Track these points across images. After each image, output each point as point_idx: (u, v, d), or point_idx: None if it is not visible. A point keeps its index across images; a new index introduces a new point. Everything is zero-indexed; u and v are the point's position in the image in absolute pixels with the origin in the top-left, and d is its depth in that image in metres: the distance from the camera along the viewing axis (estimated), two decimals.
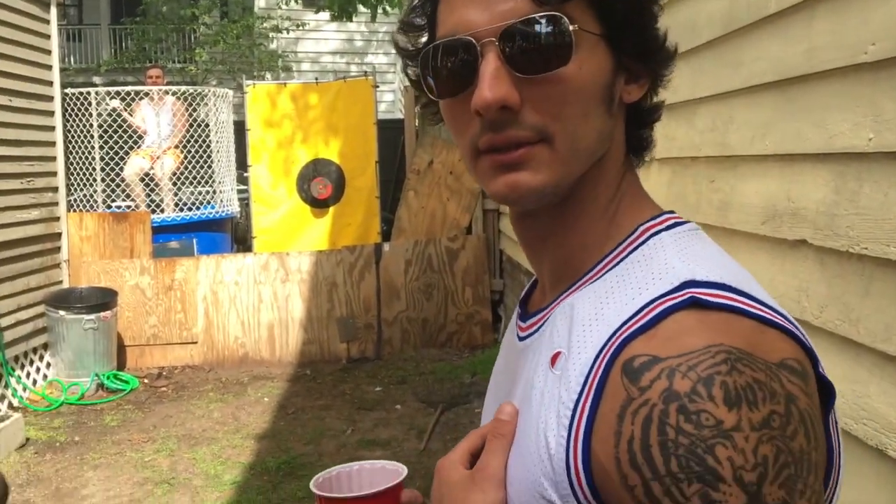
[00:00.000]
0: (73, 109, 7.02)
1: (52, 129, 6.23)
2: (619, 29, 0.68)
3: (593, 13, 0.67)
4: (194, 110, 7.53)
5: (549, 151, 0.67)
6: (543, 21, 0.64)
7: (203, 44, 13.95)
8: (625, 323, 0.61)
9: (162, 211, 7.33)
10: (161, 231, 7.05)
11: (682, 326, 0.59)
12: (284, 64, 14.33)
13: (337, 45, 15.72)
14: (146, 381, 6.16)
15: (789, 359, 0.59)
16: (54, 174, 6.23)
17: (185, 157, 7.51)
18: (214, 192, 7.73)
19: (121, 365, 6.28)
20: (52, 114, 6.22)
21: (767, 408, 0.55)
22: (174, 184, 7.56)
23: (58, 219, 6.27)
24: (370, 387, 5.83)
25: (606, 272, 0.69)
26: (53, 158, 6.24)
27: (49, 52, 6.18)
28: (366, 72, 8.45)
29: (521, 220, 0.75)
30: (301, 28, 14.41)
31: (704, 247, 0.68)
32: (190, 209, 7.55)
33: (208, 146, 7.52)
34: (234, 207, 8.12)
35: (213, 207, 7.72)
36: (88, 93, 7.11)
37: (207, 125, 7.60)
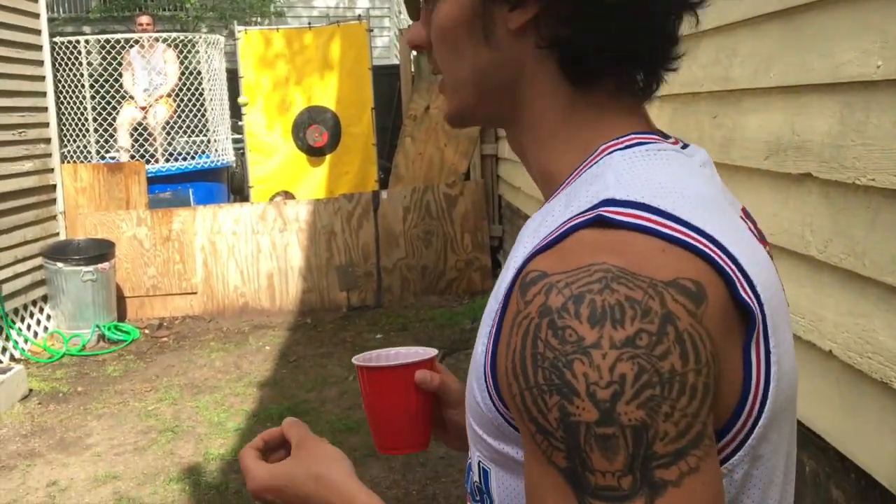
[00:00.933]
0: (63, 59, 6.89)
1: (42, 78, 6.13)
2: None
3: None
4: (186, 58, 7.40)
5: (446, 87, 0.77)
6: None
7: None
8: (542, 240, 0.63)
9: (156, 161, 7.26)
10: (156, 181, 6.99)
11: (577, 244, 0.60)
12: (276, 9, 14.07)
13: None
14: (147, 331, 6.17)
15: (683, 278, 0.58)
16: (46, 125, 6.15)
17: (178, 106, 7.41)
18: (209, 141, 7.65)
19: (121, 316, 6.28)
20: (41, 63, 6.11)
21: (635, 326, 0.55)
22: (167, 133, 7.48)
23: (52, 170, 6.20)
24: (371, 334, 5.85)
25: (560, 193, 0.70)
26: (45, 109, 6.15)
27: (36, 1, 6.04)
28: (359, 15, 8.29)
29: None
30: None
31: (650, 167, 0.66)
32: (185, 159, 7.47)
33: (201, 94, 7.41)
34: (230, 157, 8.05)
35: (208, 157, 7.65)
36: (78, 41, 6.99)
37: (200, 73, 7.49)
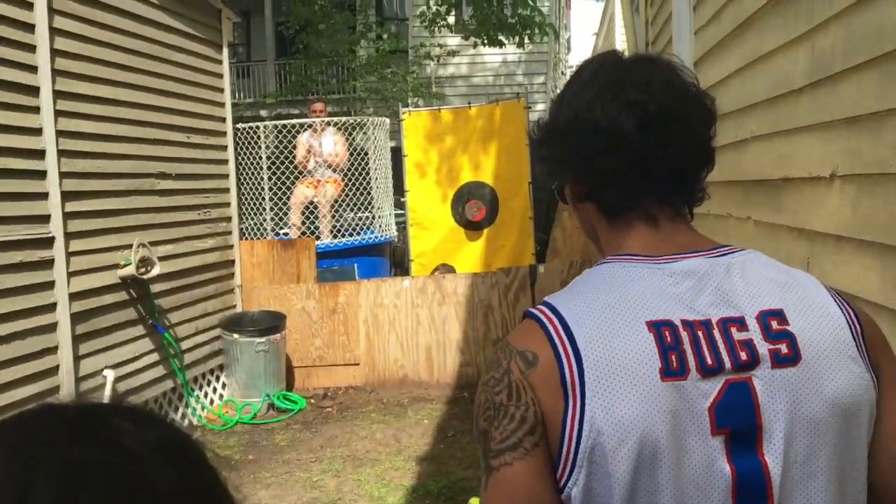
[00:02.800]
0: (243, 142, 7.45)
1: (226, 162, 6.65)
2: (556, 166, 1.14)
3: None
4: (353, 139, 7.81)
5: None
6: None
7: (359, 75, 14.50)
8: None
9: (324, 237, 7.63)
10: (324, 256, 7.34)
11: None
12: (437, 90, 14.65)
13: (488, 68, 15.90)
14: (313, 401, 6.40)
15: (527, 351, 0.95)
16: (228, 205, 6.64)
17: (346, 185, 7.79)
18: (373, 217, 7.97)
19: (289, 385, 6.56)
20: (225, 148, 6.63)
21: (491, 374, 0.97)
22: (335, 211, 7.86)
23: (231, 247, 6.66)
24: None
25: None
26: (227, 190, 6.65)
27: (222, 91, 6.61)
28: (518, 93, 8.47)
29: None
30: (452, 54, 14.70)
31: (579, 280, 1.06)
32: (351, 235, 7.81)
33: (367, 173, 7.77)
34: (392, 232, 8.34)
35: (372, 233, 7.96)
36: (257, 126, 7.54)
37: (366, 153, 7.86)
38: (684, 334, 0.94)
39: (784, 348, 0.95)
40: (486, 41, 11.62)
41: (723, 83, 4.04)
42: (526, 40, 12.01)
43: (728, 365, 0.93)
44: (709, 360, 0.93)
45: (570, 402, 0.91)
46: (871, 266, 2.24)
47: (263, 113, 15.33)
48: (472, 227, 7.90)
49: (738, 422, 0.92)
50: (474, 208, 7.83)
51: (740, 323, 0.96)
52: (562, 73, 21.66)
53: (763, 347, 0.95)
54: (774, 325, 0.96)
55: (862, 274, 2.32)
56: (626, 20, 7.96)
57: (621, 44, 16.45)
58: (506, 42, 12.07)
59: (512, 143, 7.78)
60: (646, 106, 1.01)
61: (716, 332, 0.94)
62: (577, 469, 0.91)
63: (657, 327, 0.94)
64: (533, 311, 0.99)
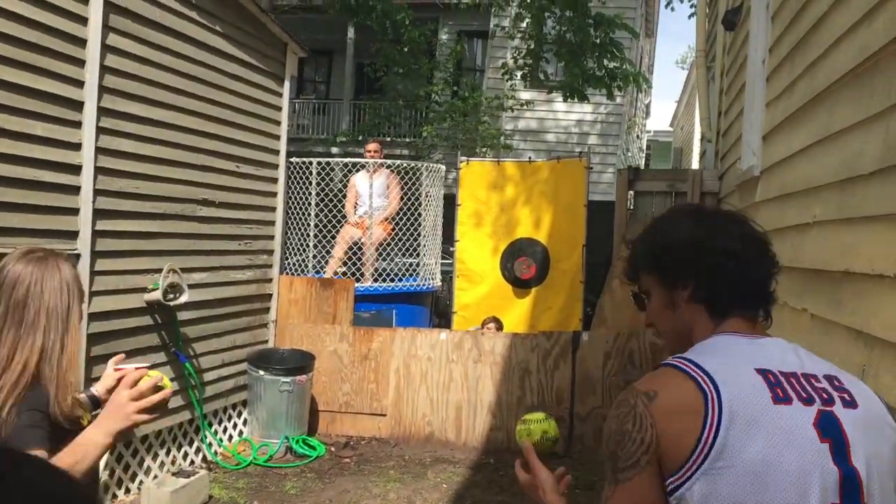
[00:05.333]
0: (295, 177, 7.37)
1: (275, 195, 6.55)
2: (664, 278, 1.47)
3: (655, 277, 1.48)
4: (407, 184, 7.66)
5: (659, 334, 1.54)
6: (633, 294, 1.57)
7: (431, 121, 14.49)
8: None
9: (364, 280, 7.45)
10: (364, 300, 7.14)
11: (649, 374, 1.35)
12: (506, 142, 14.52)
13: (561, 126, 15.71)
14: (333, 449, 6.16)
15: (651, 391, 1.27)
16: (272, 238, 6.53)
17: (395, 229, 7.63)
18: (419, 264, 7.77)
19: (312, 429, 6.34)
20: (276, 181, 6.54)
21: (621, 409, 1.29)
22: (380, 254, 7.69)
23: (270, 280, 6.53)
24: None
25: None
26: (272, 223, 6.54)
27: (279, 124, 6.54)
28: (580, 152, 8.23)
29: None
30: (525, 107, 14.57)
31: (705, 345, 1.37)
32: (392, 280, 7.62)
33: (417, 219, 7.59)
34: (436, 281, 8.11)
35: (415, 280, 7.75)
36: (310, 163, 7.46)
37: (418, 199, 7.70)
38: (782, 378, 1.28)
39: (847, 397, 1.29)
40: (571, 95, 11.43)
41: (790, 160, 3.72)
42: (616, 91, 11.79)
43: (817, 399, 1.26)
44: (803, 394, 1.26)
45: (708, 422, 1.21)
46: None
47: (334, 150, 15.42)
48: (519, 285, 7.63)
49: (834, 436, 1.23)
50: (524, 265, 7.56)
51: (816, 378, 1.30)
52: (637, 136, 21.32)
53: (834, 394, 1.28)
54: (836, 382, 1.30)
55: None
56: (700, 88, 7.68)
57: (699, 112, 16.09)
58: (590, 96, 11.88)
59: (569, 202, 7.51)
60: (745, 235, 1.43)
61: (802, 380, 1.28)
62: (699, 475, 1.20)
63: (763, 372, 1.28)
64: (671, 361, 1.32)
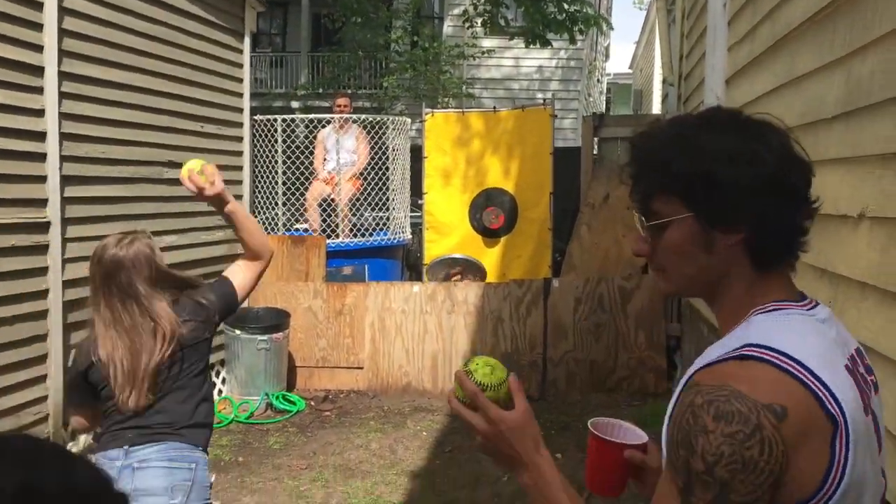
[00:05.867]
0: (260, 135, 7.31)
1: (241, 154, 6.51)
2: (702, 209, 1.10)
3: (681, 201, 1.11)
4: (374, 138, 7.65)
5: (666, 276, 1.18)
6: (640, 217, 1.17)
7: (393, 71, 14.35)
8: (705, 364, 1.06)
9: (337, 236, 7.46)
10: (335, 255, 7.17)
11: (727, 368, 1.02)
12: (469, 90, 14.45)
13: (522, 73, 15.67)
14: (312, 403, 6.25)
15: (776, 404, 0.97)
16: (240, 197, 6.49)
17: (364, 184, 7.63)
18: (388, 218, 7.80)
19: (290, 385, 6.42)
20: (240, 139, 6.49)
21: (737, 427, 0.96)
22: (351, 210, 7.70)
23: None
24: None
25: (726, 335, 1.11)
26: (240, 182, 6.50)
27: (241, 81, 6.46)
28: (544, 100, 8.26)
29: None
30: (487, 55, 14.48)
31: (779, 323, 1.07)
32: (363, 235, 7.65)
33: (385, 173, 7.60)
34: (407, 234, 8.16)
35: (385, 234, 7.78)
36: (275, 119, 7.40)
37: (385, 152, 7.70)
38: (857, 374, 1.09)
39: (873, 378, 1.16)
40: (532, 41, 11.37)
41: (753, 104, 3.81)
42: (577, 35, 11.75)
43: (868, 394, 1.10)
44: (865, 399, 1.08)
45: (837, 444, 0.98)
46: None
47: (294, 104, 15.24)
48: (489, 235, 7.70)
49: (879, 443, 1.11)
50: (493, 215, 7.63)
51: (857, 359, 1.13)
52: (597, 80, 21.35)
53: (869, 379, 1.13)
54: (866, 360, 1.15)
55: (884, 327, 2.10)
56: (661, 32, 7.72)
57: (660, 55, 16.15)
58: (553, 41, 11.83)
59: (535, 151, 7.56)
60: (806, 168, 1.13)
61: (856, 372, 1.09)
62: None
63: (849, 370, 1.07)
64: (765, 356, 1.01)
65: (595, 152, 7.68)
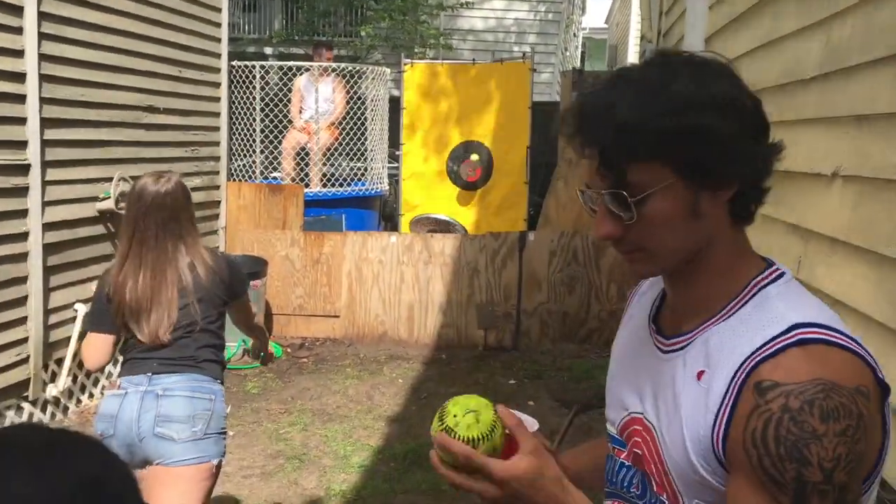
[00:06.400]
0: (238, 81, 7.25)
1: (218, 100, 6.46)
2: (691, 170, 0.97)
3: (668, 166, 0.97)
4: (352, 87, 7.62)
5: (646, 255, 1.02)
6: (612, 195, 0.99)
7: (370, 20, 14.16)
8: (752, 354, 0.94)
9: (313, 185, 7.47)
10: (312, 205, 7.19)
11: (795, 360, 0.91)
12: (446, 41, 14.33)
13: (500, 26, 15.56)
14: (289, 350, 6.33)
15: (862, 386, 0.90)
16: (217, 144, 6.47)
17: (341, 134, 7.61)
18: (366, 169, 7.81)
19: (267, 332, 6.47)
20: (218, 85, 6.44)
21: (845, 423, 0.88)
22: (328, 159, 7.69)
23: (218, 187, 6.52)
24: (504, 378, 5.72)
25: (731, 316, 1.01)
26: (217, 129, 6.48)
27: (219, 25, 6.39)
28: (524, 53, 8.26)
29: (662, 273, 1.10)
30: (466, 6, 14.35)
31: (800, 294, 1.01)
32: (341, 185, 7.66)
33: (363, 123, 7.59)
34: (384, 185, 8.19)
35: (363, 185, 7.81)
36: (253, 66, 7.33)
37: (363, 102, 7.68)
38: None
39: None
40: None
41: (733, 63, 3.87)
42: None
43: None
44: None
45: (886, 414, 0.95)
46: (864, 275, 2.13)
47: (268, 50, 14.97)
48: (465, 187, 7.76)
49: None
50: (469, 168, 7.68)
51: None
52: (574, 34, 21.25)
53: None
54: None
55: (852, 282, 2.22)
56: None
57: (637, 10, 16.11)
58: None
59: (513, 105, 7.59)
60: (761, 104, 1.05)
61: None
62: (870, 492, 0.97)
63: None
64: (818, 335, 0.93)
65: None
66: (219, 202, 6.54)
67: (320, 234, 6.67)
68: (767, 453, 0.89)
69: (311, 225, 6.99)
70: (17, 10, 4.16)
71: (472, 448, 0.99)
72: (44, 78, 4.37)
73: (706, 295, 1.04)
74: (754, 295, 1.00)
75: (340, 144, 7.64)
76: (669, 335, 1.09)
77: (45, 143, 4.42)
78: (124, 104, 5.15)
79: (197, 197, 6.08)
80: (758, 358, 0.92)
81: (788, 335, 0.92)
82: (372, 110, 7.81)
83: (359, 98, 7.64)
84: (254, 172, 7.46)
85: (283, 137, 7.51)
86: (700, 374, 0.99)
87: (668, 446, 1.02)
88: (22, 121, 4.25)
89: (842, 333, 0.93)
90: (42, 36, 4.33)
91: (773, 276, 1.02)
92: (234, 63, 7.09)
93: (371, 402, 5.24)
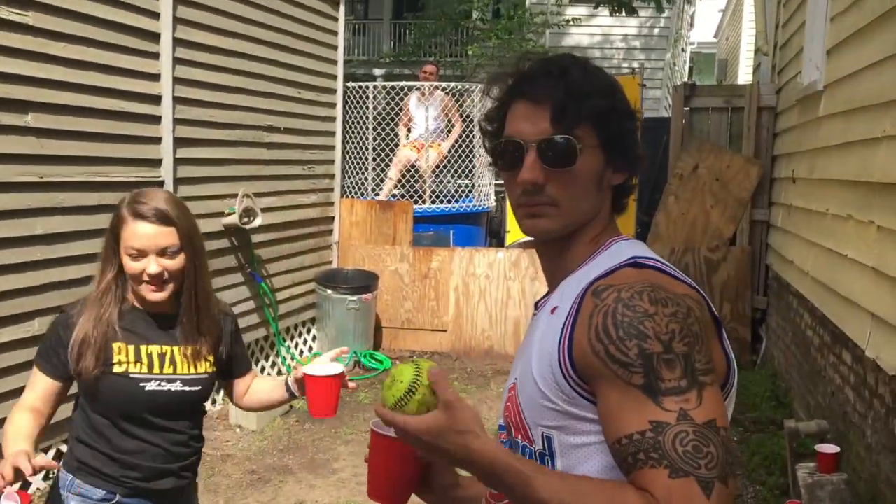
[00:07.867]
0: (351, 101, 7.49)
1: (334, 119, 6.71)
2: (610, 143, 1.14)
3: (594, 133, 1.13)
4: (461, 106, 7.73)
5: (557, 211, 1.15)
6: (562, 140, 1.12)
7: (476, 40, 14.34)
8: (595, 280, 1.08)
9: (423, 202, 7.61)
10: (421, 221, 7.33)
11: (627, 272, 1.07)
12: None
13: (606, 42, 15.46)
14: (398, 362, 6.46)
15: (689, 296, 1.05)
16: (332, 162, 6.71)
17: (449, 151, 7.73)
18: (473, 186, 7.91)
19: (376, 345, 6.64)
20: (334, 105, 6.69)
21: (674, 308, 1.01)
22: (436, 176, 7.82)
23: (332, 204, 6.75)
24: None
25: (584, 265, 1.15)
26: (333, 147, 6.72)
27: (336, 48, 6.65)
28: (633, 69, 8.19)
29: (540, 247, 1.24)
30: (572, 23, 14.33)
31: (643, 247, 1.16)
32: (449, 202, 7.78)
33: (471, 141, 7.69)
34: (491, 202, 8.26)
35: (470, 201, 7.90)
36: (367, 87, 7.56)
37: (472, 120, 7.78)
38: None
39: None
40: (617, 8, 11.18)
41: (858, 75, 3.76)
42: (664, 3, 11.50)
43: None
44: None
45: (725, 345, 1.08)
46: None
47: (377, 72, 15.39)
48: None
49: None
50: None
51: None
52: (682, 49, 20.86)
53: None
54: None
55: None
56: (757, 0, 7.55)
57: (749, 23, 15.67)
58: (637, 9, 11.59)
59: None
60: None
61: None
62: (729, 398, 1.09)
63: None
64: (651, 263, 1.09)
65: (684, 123, 7.59)
66: (333, 218, 6.77)
67: (428, 250, 6.79)
68: (610, 340, 0.99)
69: (419, 240, 7.13)
70: (155, 37, 4.47)
71: (389, 409, 1.09)
72: (177, 100, 4.66)
73: (572, 258, 1.18)
74: (609, 248, 1.16)
75: (449, 162, 7.76)
76: (538, 303, 1.26)
77: (178, 162, 4.70)
78: (247, 124, 5.42)
79: (312, 213, 6.34)
80: (597, 277, 1.07)
81: (626, 261, 1.08)
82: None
83: (467, 116, 7.75)
84: (365, 189, 7.66)
85: (393, 155, 7.69)
86: (553, 309, 1.12)
87: (521, 386, 1.13)
88: (157, 140, 4.54)
89: (678, 272, 1.09)
90: (176, 60, 4.63)
91: (623, 238, 1.18)
92: (348, 84, 7.33)
93: (480, 414, 5.27)
